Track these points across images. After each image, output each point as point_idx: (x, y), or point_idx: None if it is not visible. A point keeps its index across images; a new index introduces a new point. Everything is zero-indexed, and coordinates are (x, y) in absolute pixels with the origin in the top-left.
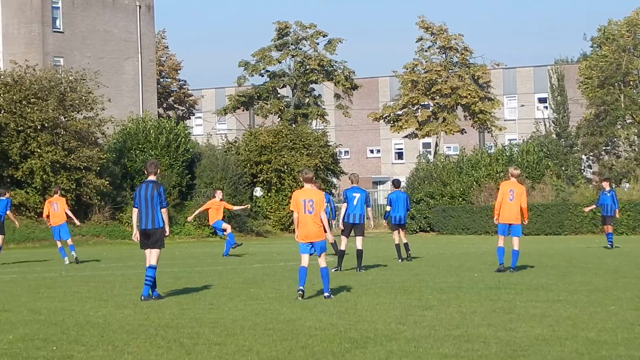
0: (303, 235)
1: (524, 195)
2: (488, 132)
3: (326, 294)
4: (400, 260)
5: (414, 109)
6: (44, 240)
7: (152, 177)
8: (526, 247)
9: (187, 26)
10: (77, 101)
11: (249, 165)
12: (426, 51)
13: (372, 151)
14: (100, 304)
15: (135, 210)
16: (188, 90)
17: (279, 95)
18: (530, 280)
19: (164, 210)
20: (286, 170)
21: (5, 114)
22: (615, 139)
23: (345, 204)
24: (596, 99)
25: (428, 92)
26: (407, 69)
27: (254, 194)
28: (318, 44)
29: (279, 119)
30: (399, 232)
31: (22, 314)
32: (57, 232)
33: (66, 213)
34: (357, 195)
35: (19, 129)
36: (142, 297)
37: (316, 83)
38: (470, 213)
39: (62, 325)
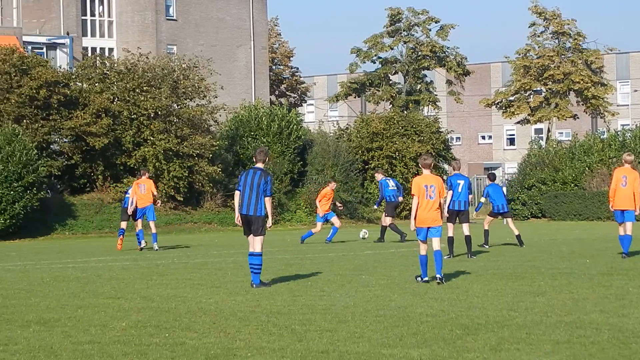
0: (421, 220)
1: (637, 181)
2: (601, 117)
3: (438, 276)
4: (487, 246)
5: (526, 94)
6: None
7: (260, 165)
8: None
9: (299, 13)
10: (189, 89)
11: (360, 152)
12: (539, 36)
13: (483, 137)
14: (212, 291)
15: (237, 193)
16: (300, 77)
17: (390, 82)
18: None
19: (267, 199)
20: (397, 157)
21: (118, 102)
22: None
23: (451, 192)
24: None
25: (540, 78)
26: (519, 55)
27: (360, 236)
28: (430, 30)
29: (391, 105)
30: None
31: (135, 301)
32: (142, 214)
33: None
34: (462, 182)
35: (132, 117)
36: (254, 285)
37: (428, 69)
38: (583, 199)
39: (174, 312)
